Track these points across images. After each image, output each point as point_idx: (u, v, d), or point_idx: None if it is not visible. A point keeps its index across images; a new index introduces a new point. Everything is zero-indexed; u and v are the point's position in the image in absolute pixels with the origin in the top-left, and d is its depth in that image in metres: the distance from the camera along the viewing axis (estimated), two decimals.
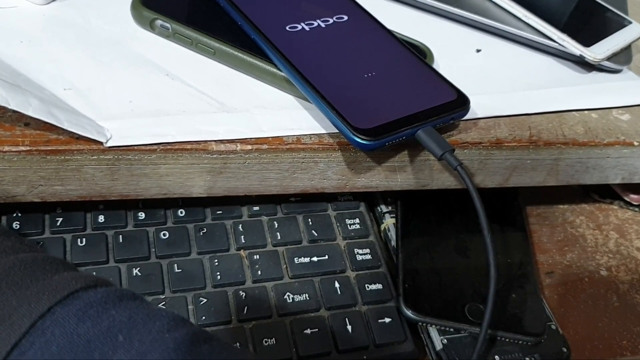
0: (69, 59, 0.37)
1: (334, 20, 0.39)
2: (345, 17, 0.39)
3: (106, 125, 0.33)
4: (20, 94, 0.31)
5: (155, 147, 0.33)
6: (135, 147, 0.33)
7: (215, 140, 0.34)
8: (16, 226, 0.36)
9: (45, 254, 0.26)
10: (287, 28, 0.38)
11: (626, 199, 0.49)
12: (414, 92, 0.36)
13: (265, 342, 0.34)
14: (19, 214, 0.37)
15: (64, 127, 0.31)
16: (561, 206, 0.49)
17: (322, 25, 0.39)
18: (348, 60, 0.37)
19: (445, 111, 0.35)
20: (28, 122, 0.32)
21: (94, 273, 0.35)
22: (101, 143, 0.32)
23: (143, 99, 0.35)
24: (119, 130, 0.33)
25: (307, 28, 0.38)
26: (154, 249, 0.37)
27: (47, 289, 0.23)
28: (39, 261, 0.25)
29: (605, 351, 0.40)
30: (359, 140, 0.33)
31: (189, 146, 0.33)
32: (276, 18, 0.38)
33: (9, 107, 0.30)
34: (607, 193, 0.50)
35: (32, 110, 0.31)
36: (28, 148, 0.31)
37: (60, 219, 0.37)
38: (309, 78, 0.35)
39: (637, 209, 0.49)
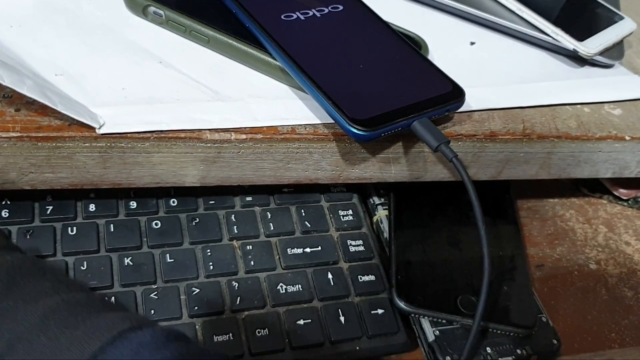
0: (60, 44, 0.36)
1: (329, 10, 0.39)
2: (341, 7, 0.39)
3: (99, 112, 0.32)
4: (15, 73, 0.30)
5: (148, 135, 0.32)
6: (128, 135, 0.32)
7: (209, 129, 0.33)
8: (5, 214, 0.36)
9: (85, 293, 0.27)
10: (283, 17, 0.38)
11: (615, 193, 0.49)
12: (410, 83, 0.36)
13: (258, 332, 0.34)
14: (8, 202, 0.36)
15: (58, 109, 0.30)
16: (551, 200, 0.49)
17: (318, 14, 0.38)
18: (344, 51, 0.37)
19: (440, 103, 0.35)
20: (19, 108, 0.32)
21: (85, 262, 0.35)
22: (94, 129, 0.31)
23: (136, 87, 0.34)
24: (112, 117, 0.32)
25: (302, 17, 0.38)
26: (145, 239, 0.37)
27: (97, 329, 0.24)
28: (82, 302, 0.26)
29: (594, 343, 0.40)
30: (354, 130, 0.32)
31: (182, 135, 0.33)
32: (271, 7, 0.38)
33: (4, 84, 0.29)
34: (596, 187, 0.50)
35: (27, 89, 0.30)
36: (19, 134, 0.31)
37: (51, 207, 0.36)
38: (304, 68, 0.34)
39: (625, 204, 0.50)
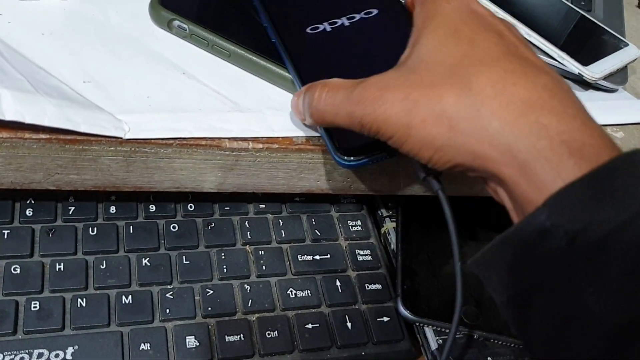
0: (89, 52, 0.38)
1: (360, 17, 0.38)
2: (375, 12, 0.38)
3: (124, 118, 0.34)
4: (35, 104, 0.32)
5: (171, 141, 0.34)
6: (152, 141, 0.34)
7: (228, 138, 0.35)
8: (29, 213, 0.37)
9: None
10: (309, 30, 0.37)
11: None
12: None
13: (268, 334, 0.36)
14: (33, 201, 0.38)
15: (81, 130, 0.32)
16: None
17: (347, 23, 0.38)
18: (356, 67, 0.36)
19: None
20: None
21: (104, 261, 0.36)
22: (119, 137, 0.33)
23: (160, 95, 0.36)
24: (137, 123, 0.34)
25: (329, 28, 0.38)
26: (163, 241, 0.38)
27: None
28: None
29: None
30: (337, 158, 0.33)
31: (203, 142, 0.35)
32: (299, 18, 0.38)
33: (26, 122, 0.31)
34: None
35: (48, 119, 0.31)
36: (48, 136, 0.32)
37: (73, 208, 0.38)
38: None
39: None
